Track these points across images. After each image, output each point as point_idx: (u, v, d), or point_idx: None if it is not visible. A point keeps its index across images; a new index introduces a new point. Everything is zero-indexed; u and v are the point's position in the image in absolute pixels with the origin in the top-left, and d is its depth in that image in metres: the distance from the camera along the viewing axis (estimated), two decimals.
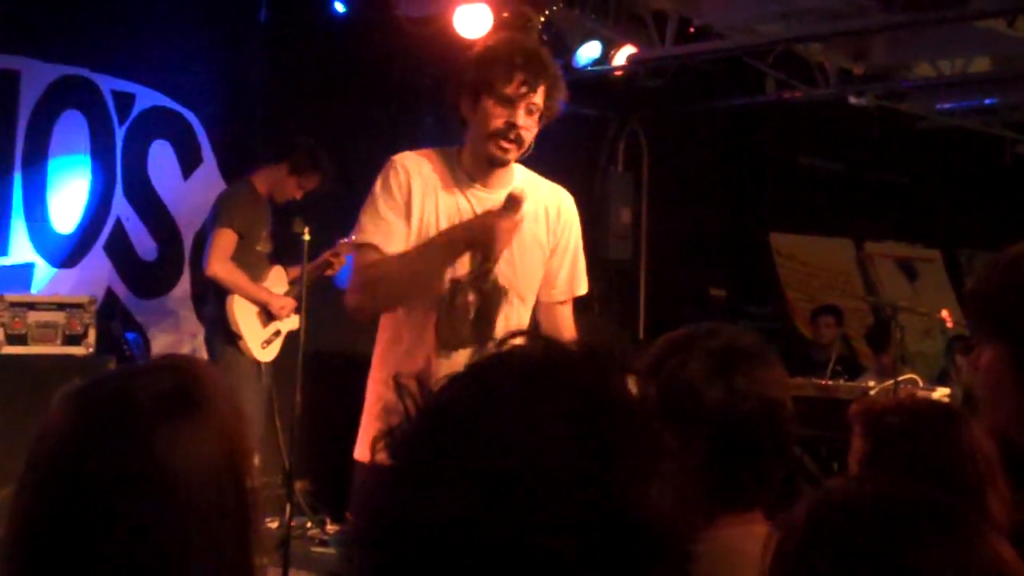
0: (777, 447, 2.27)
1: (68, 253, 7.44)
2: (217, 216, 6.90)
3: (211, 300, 6.97)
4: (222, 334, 6.87)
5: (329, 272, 7.31)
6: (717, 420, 2.20)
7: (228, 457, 1.60)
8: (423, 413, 1.00)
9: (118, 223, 7.69)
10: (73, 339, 6.55)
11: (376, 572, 0.97)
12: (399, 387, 0.99)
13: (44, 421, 1.60)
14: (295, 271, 7.13)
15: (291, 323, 7.02)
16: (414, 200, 3.92)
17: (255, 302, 6.88)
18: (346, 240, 7.31)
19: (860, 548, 1.49)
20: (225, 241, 6.79)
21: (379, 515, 0.97)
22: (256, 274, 6.96)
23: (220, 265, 6.76)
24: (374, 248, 3.87)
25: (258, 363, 6.91)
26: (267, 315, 6.91)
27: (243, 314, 6.83)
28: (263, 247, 7.02)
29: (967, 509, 1.56)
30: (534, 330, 1.13)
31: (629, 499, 0.93)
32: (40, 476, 1.57)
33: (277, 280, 7.15)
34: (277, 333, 7.00)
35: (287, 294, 7.06)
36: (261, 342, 6.91)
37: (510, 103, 3.87)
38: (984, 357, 2.00)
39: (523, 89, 3.87)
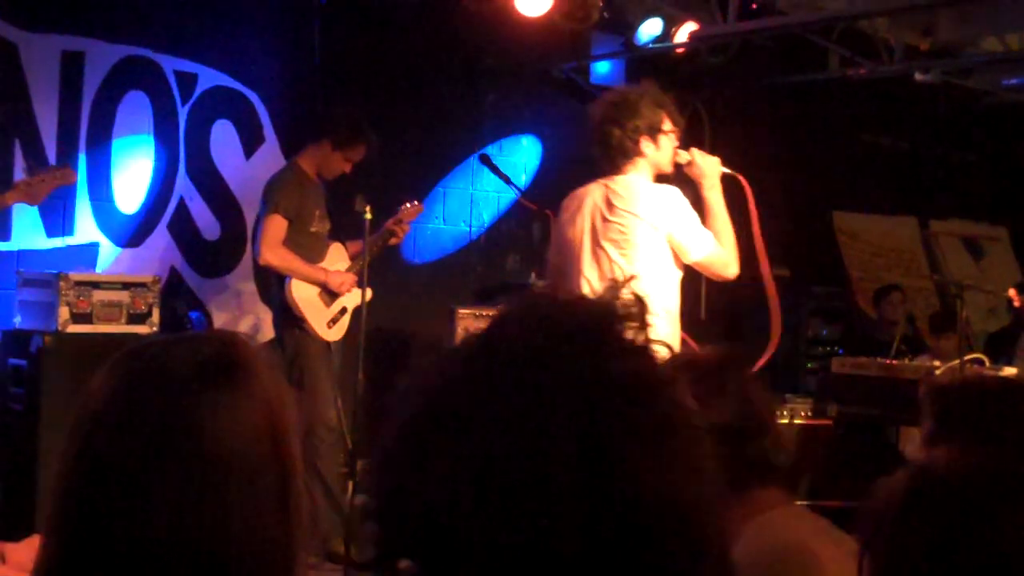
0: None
1: (132, 233, 7.51)
2: (265, 203, 6.90)
3: (273, 285, 6.97)
4: (287, 318, 6.87)
5: (393, 241, 7.31)
6: None
7: (269, 428, 1.60)
8: (423, 393, 0.97)
9: (181, 203, 7.74)
10: (137, 318, 6.60)
11: (381, 549, 0.95)
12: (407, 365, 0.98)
13: (86, 389, 1.61)
14: (357, 245, 7.15)
15: (357, 298, 7.01)
16: None
17: (313, 283, 6.86)
18: (409, 205, 7.33)
19: (960, 519, 1.49)
20: (274, 227, 6.76)
21: (378, 495, 0.95)
22: (312, 255, 6.94)
23: (271, 252, 6.75)
24: None
25: (327, 343, 6.91)
26: (330, 294, 6.90)
27: (304, 296, 6.82)
28: (318, 227, 6.98)
29: None
30: (538, 294, 1.05)
31: (629, 481, 0.88)
32: (82, 442, 1.57)
33: (337, 258, 7.12)
34: (343, 311, 6.98)
35: (348, 270, 7.05)
36: (327, 321, 6.90)
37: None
38: None
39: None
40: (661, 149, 5.27)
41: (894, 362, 7.30)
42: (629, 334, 0.96)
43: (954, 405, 2.71)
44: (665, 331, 5.03)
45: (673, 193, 5.20)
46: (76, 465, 1.57)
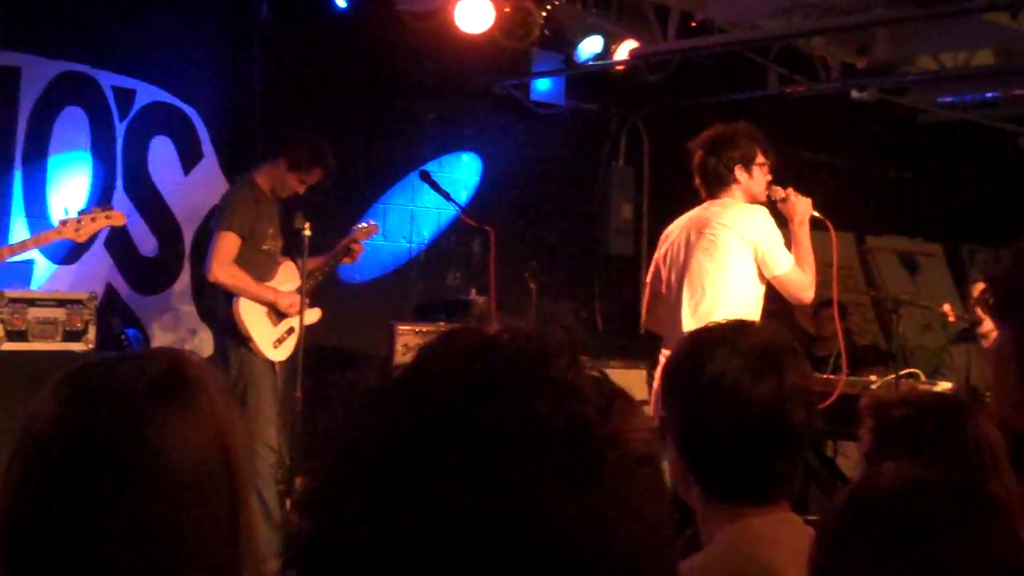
0: (808, 439, 2.32)
1: (68, 249, 7.41)
2: (218, 219, 6.85)
3: (220, 302, 6.90)
4: (232, 336, 6.81)
5: (347, 260, 7.28)
6: (766, 417, 2.23)
7: (219, 446, 1.59)
8: (342, 437, 0.94)
9: None
10: (73, 335, 6.54)
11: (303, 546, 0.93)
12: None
13: (31, 407, 1.59)
14: (308, 263, 7.13)
15: (306, 318, 6.97)
16: None
17: (262, 302, 6.81)
18: (364, 225, 7.31)
19: (897, 533, 1.50)
20: (226, 244, 6.71)
21: (298, 537, 0.93)
22: (263, 273, 6.88)
23: (221, 269, 6.70)
24: None
25: (272, 362, 6.85)
26: (277, 314, 6.85)
27: (251, 315, 6.76)
28: (270, 245, 6.93)
29: (993, 495, 1.58)
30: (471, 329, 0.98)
31: (553, 528, 0.84)
32: (27, 465, 1.55)
33: (288, 277, 7.06)
34: (291, 330, 6.92)
35: (298, 289, 6.99)
36: (273, 341, 6.84)
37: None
38: (996, 344, 2.02)
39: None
40: (754, 179, 5.80)
41: (831, 377, 7.34)
42: (560, 372, 0.93)
43: (893, 420, 2.74)
44: None
45: (761, 211, 5.73)
46: (21, 489, 1.55)
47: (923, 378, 7.13)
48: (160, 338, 7.72)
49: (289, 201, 7.01)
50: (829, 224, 5.98)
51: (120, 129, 7.70)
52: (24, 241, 6.39)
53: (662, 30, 8.48)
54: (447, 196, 7.82)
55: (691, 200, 5.93)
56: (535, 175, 9.72)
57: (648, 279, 6.09)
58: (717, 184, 5.80)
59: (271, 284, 6.93)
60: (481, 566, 0.83)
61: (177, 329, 7.83)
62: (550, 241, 9.75)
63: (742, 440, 2.22)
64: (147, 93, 7.82)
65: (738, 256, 5.60)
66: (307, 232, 6.54)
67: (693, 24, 8.54)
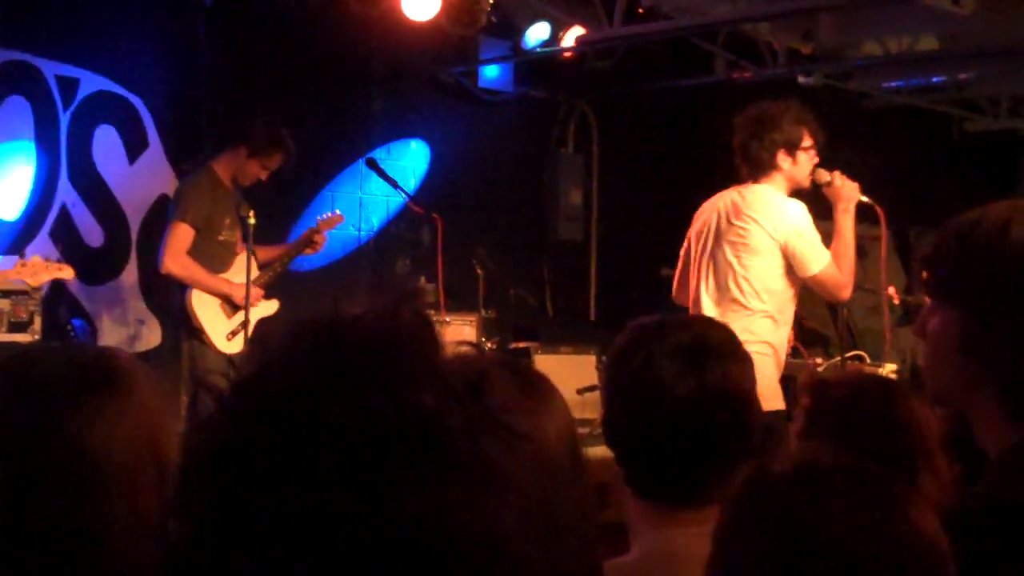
0: (744, 443, 2.28)
1: (13, 240, 7.36)
2: (173, 209, 6.77)
3: (174, 293, 6.80)
4: (184, 328, 6.74)
5: (309, 251, 7.24)
6: (685, 415, 2.20)
7: (149, 437, 1.58)
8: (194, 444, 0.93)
9: (63, 209, 7.61)
10: (19, 326, 6.49)
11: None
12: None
13: None
14: (267, 252, 7.07)
15: (262, 310, 6.89)
16: None
17: (216, 294, 6.72)
18: (328, 214, 7.28)
19: (784, 517, 1.51)
20: (179, 236, 6.62)
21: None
22: (219, 264, 6.78)
23: (173, 261, 6.61)
24: None
25: (226, 355, 6.75)
26: (232, 306, 6.75)
27: (203, 307, 6.69)
28: (227, 236, 6.82)
29: (893, 479, 1.58)
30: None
31: (407, 520, 0.82)
32: None
33: (243, 268, 6.89)
34: (245, 323, 6.85)
35: (256, 280, 6.91)
36: (226, 334, 6.75)
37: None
38: (931, 323, 2.01)
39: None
40: (798, 164, 5.50)
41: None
42: (404, 359, 0.91)
43: (824, 401, 2.75)
44: (773, 337, 5.39)
45: (798, 207, 5.41)
46: None
47: (868, 361, 7.19)
48: (107, 328, 7.68)
49: (248, 189, 6.95)
50: (880, 211, 5.79)
51: (64, 118, 7.63)
52: None
53: (608, 16, 8.49)
54: (395, 184, 7.80)
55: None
56: (483, 162, 9.72)
57: (682, 251, 5.84)
58: (757, 169, 5.50)
59: (226, 275, 6.83)
60: (334, 570, 0.82)
61: (124, 319, 7.78)
62: (499, 228, 9.75)
63: (662, 438, 2.19)
64: (91, 82, 7.76)
65: (767, 254, 5.36)
66: (251, 220, 6.49)
67: (640, 10, 8.56)
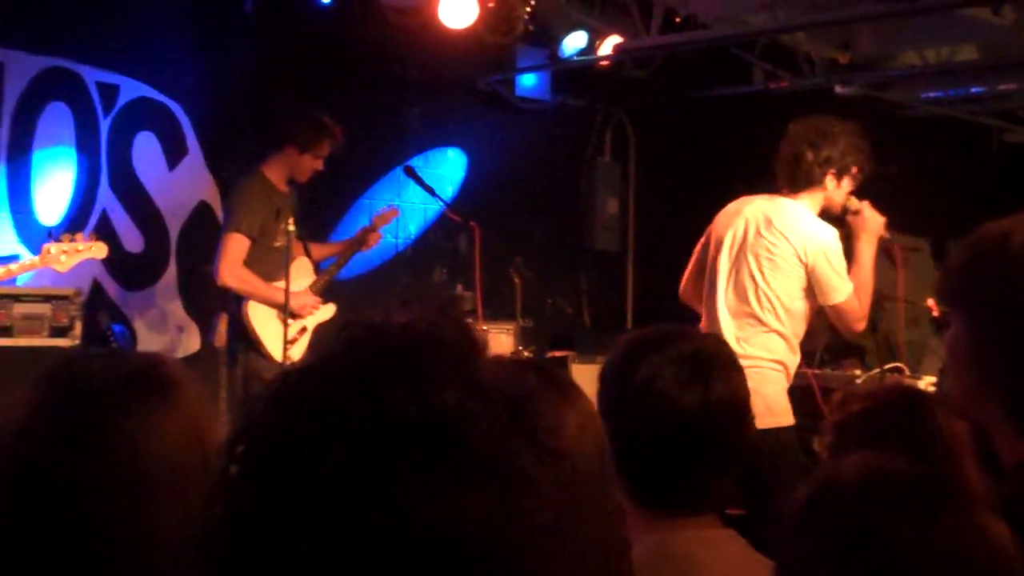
0: (741, 450, 2.30)
1: None
2: (226, 219, 6.75)
3: (231, 303, 6.76)
4: (243, 339, 6.67)
5: (364, 248, 7.23)
6: (691, 426, 2.22)
7: (196, 442, 1.58)
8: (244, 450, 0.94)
9: (104, 215, 7.66)
10: (59, 331, 6.52)
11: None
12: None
13: (10, 403, 1.59)
14: (321, 249, 7.08)
15: (319, 316, 6.85)
16: None
17: (273, 306, 6.66)
18: (383, 209, 7.28)
19: (861, 525, 1.50)
20: (234, 247, 6.57)
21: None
22: (275, 272, 6.66)
23: (229, 273, 6.56)
24: None
25: (284, 365, 6.60)
26: (289, 314, 6.68)
27: (260, 318, 6.63)
28: (282, 241, 6.66)
29: (965, 487, 1.58)
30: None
31: (415, 523, 0.83)
32: (5, 460, 1.55)
33: (302, 273, 6.93)
34: (303, 330, 6.81)
35: (312, 286, 6.89)
36: (285, 343, 6.66)
37: None
38: (948, 333, 2.03)
39: None
40: (840, 188, 5.44)
41: (816, 371, 7.37)
42: (450, 362, 0.91)
43: (853, 415, 2.74)
44: (786, 357, 5.33)
45: (832, 234, 5.33)
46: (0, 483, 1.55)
47: (907, 372, 7.15)
48: (146, 334, 7.71)
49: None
50: (897, 253, 5.89)
51: (104, 125, 7.69)
52: (11, 266, 6.37)
53: (646, 25, 8.49)
54: (432, 192, 7.80)
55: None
56: (520, 170, 9.72)
57: (697, 249, 5.67)
58: (802, 181, 5.37)
59: (279, 284, 6.72)
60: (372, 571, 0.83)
61: (164, 325, 7.82)
62: (536, 236, 9.75)
63: (665, 448, 2.21)
64: (131, 88, 7.81)
65: (792, 274, 5.26)
66: (291, 227, 6.49)
67: (677, 19, 8.55)
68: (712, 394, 2.23)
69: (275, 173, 6.81)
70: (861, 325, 5.47)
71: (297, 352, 6.74)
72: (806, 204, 5.39)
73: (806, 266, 5.24)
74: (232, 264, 6.58)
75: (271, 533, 0.85)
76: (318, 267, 7.09)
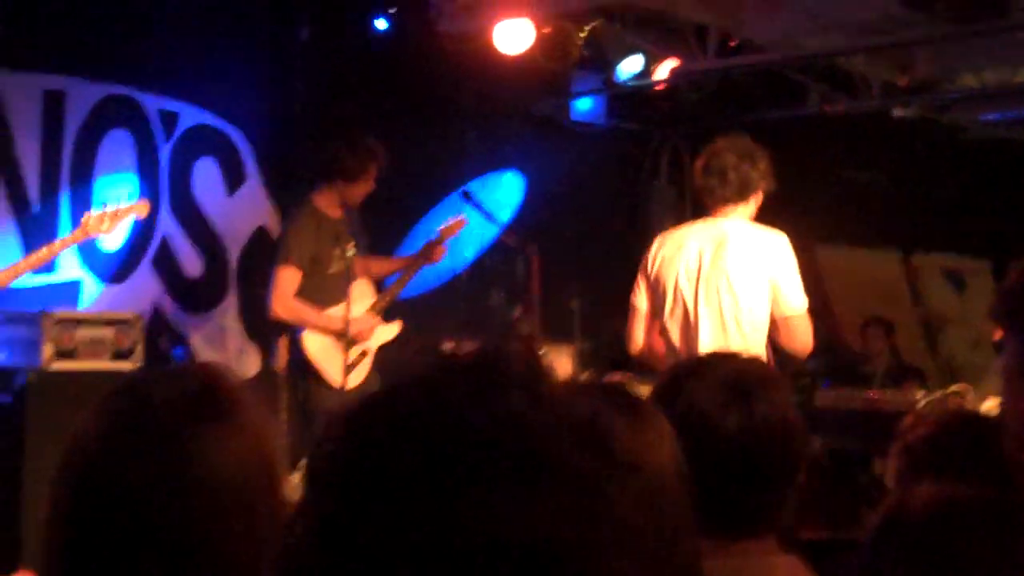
0: (793, 470, 2.28)
1: (115, 270, 7.50)
2: (277, 252, 6.77)
3: (289, 332, 6.77)
4: (301, 369, 6.69)
5: (429, 262, 7.24)
6: (736, 448, 2.21)
7: (260, 459, 1.59)
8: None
9: (164, 240, 7.74)
10: (121, 355, 6.58)
11: None
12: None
13: (76, 425, 1.60)
14: (382, 265, 7.10)
15: (382, 336, 6.84)
16: None
17: (328, 333, 6.67)
18: (450, 220, 7.27)
19: (935, 555, 1.49)
20: (284, 280, 6.60)
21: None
22: (332, 297, 6.67)
23: (280, 305, 6.60)
24: None
25: (344, 391, 6.61)
26: (346, 340, 6.67)
27: (317, 346, 6.64)
28: (337, 267, 6.72)
29: None
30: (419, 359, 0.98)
31: (505, 528, 0.84)
32: (75, 482, 1.56)
33: (361, 295, 6.91)
34: (364, 354, 6.80)
35: (371, 308, 6.90)
36: (343, 369, 6.64)
37: None
38: (1004, 353, 2.01)
39: None
40: (753, 207, 5.38)
41: (878, 394, 7.32)
42: (518, 384, 0.92)
43: (918, 441, 2.72)
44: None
45: (786, 241, 5.25)
46: (70, 506, 1.55)
47: (970, 396, 7.08)
48: (207, 357, 7.76)
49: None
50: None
51: (165, 151, 7.77)
52: (54, 243, 6.34)
53: (702, 49, 8.48)
54: (489, 216, 7.82)
55: None
56: (577, 194, 9.72)
57: (638, 298, 5.51)
58: (741, 192, 5.29)
59: (341, 307, 6.70)
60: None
61: (224, 348, 7.87)
62: (592, 259, 9.75)
63: (714, 473, 2.18)
64: (191, 115, 7.89)
65: (759, 288, 5.14)
66: (350, 253, 6.51)
67: (733, 43, 8.54)
68: (756, 416, 2.22)
69: (326, 201, 6.83)
70: (810, 346, 5.25)
71: (357, 378, 6.75)
72: (745, 216, 5.33)
73: (769, 278, 5.14)
74: (283, 296, 6.61)
75: (352, 548, 0.86)
76: (381, 285, 7.09)
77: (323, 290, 6.69)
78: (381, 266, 7.16)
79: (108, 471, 1.54)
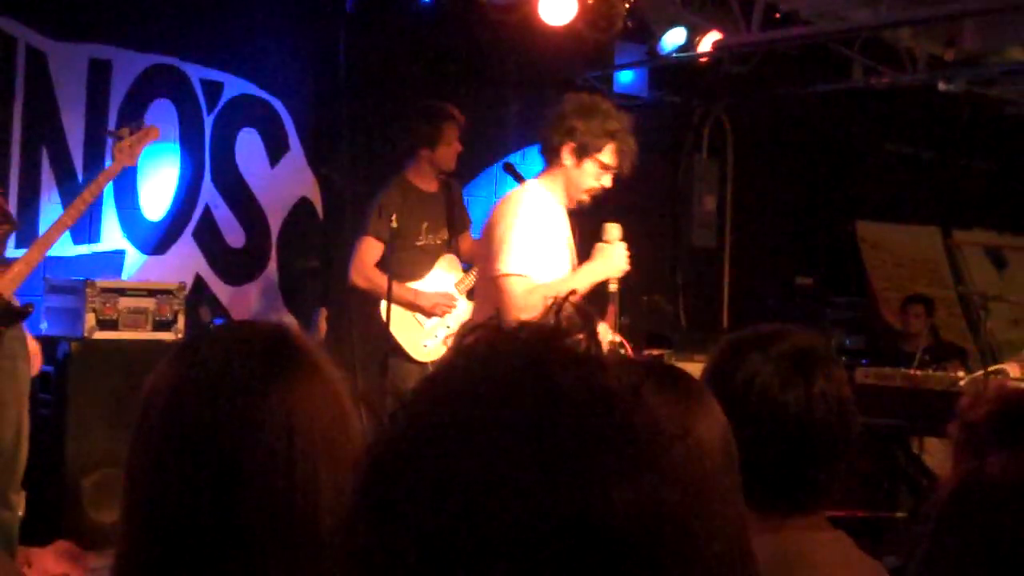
0: (847, 447, 2.28)
1: (158, 240, 7.55)
2: (362, 223, 6.84)
3: (369, 305, 6.81)
4: (383, 342, 6.69)
5: None
6: (794, 424, 2.21)
7: (335, 405, 1.60)
8: (380, 442, 0.95)
9: (207, 210, 7.78)
10: (163, 325, 6.64)
11: None
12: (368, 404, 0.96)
13: (152, 378, 1.61)
14: (471, 245, 7.08)
15: (464, 314, 6.78)
16: None
17: (403, 305, 6.68)
18: None
19: (1006, 519, 1.50)
20: (364, 250, 6.70)
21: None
22: (415, 270, 6.76)
23: (358, 274, 6.70)
24: None
25: (424, 364, 6.65)
26: (425, 313, 6.73)
27: (396, 319, 6.65)
28: (426, 240, 6.82)
29: None
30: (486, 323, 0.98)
31: (597, 494, 0.83)
32: (155, 433, 1.57)
33: (450, 269, 6.95)
34: (447, 327, 6.78)
35: (458, 283, 6.91)
36: (422, 343, 6.70)
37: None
38: None
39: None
40: (581, 169, 5.01)
41: (918, 373, 7.28)
42: (576, 347, 0.93)
43: (979, 418, 2.71)
44: None
45: (516, 198, 5.04)
46: (156, 463, 1.55)
47: (1012, 374, 7.04)
48: None
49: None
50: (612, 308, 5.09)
51: (208, 121, 7.80)
52: (94, 181, 6.20)
53: (746, 21, 8.43)
54: None
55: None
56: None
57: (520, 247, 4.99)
58: (547, 153, 5.03)
59: (424, 280, 6.79)
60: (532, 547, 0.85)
61: (264, 318, 7.90)
62: (633, 233, 9.71)
63: (770, 447, 2.19)
64: (234, 86, 7.92)
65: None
66: (394, 224, 6.52)
67: (777, 15, 8.49)
68: (815, 391, 2.21)
69: (418, 175, 6.93)
70: (516, 315, 4.32)
71: (436, 353, 6.72)
72: (543, 184, 5.05)
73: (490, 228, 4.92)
74: (360, 265, 6.71)
75: (429, 513, 0.86)
76: (465, 264, 7.08)
77: (410, 263, 6.77)
78: (470, 246, 7.16)
79: (193, 415, 1.54)
